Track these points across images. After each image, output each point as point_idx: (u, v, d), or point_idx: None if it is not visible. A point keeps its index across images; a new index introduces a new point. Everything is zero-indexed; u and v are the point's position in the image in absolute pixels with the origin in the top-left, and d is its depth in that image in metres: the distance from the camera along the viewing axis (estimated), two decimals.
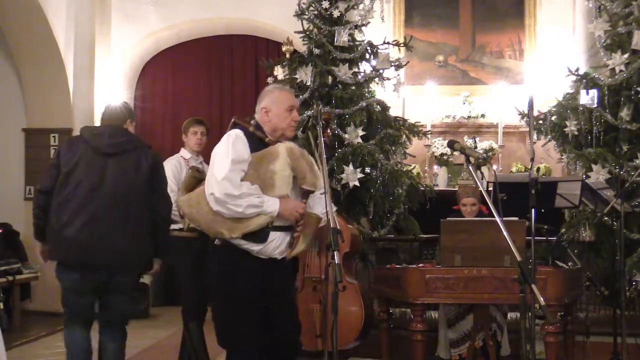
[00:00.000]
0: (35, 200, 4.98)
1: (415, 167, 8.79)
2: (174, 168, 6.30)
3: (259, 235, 4.24)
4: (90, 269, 4.80)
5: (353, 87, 7.72)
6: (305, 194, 4.25)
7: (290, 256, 4.23)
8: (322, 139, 4.11)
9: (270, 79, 8.45)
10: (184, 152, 6.49)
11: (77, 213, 4.75)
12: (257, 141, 4.33)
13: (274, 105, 4.43)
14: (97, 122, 9.66)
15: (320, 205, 4.31)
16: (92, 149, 4.89)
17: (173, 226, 6.28)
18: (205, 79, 11.27)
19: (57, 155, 4.97)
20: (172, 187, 6.20)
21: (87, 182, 4.80)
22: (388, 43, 8.00)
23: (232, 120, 4.52)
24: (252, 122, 4.48)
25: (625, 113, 7.60)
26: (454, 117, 9.81)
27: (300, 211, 4.17)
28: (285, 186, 4.22)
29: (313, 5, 7.83)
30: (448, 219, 6.03)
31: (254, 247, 4.26)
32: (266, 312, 4.32)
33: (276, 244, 4.27)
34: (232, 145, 4.27)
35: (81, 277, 4.84)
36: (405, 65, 8.17)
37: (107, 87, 10.37)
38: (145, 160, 5.02)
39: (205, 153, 6.64)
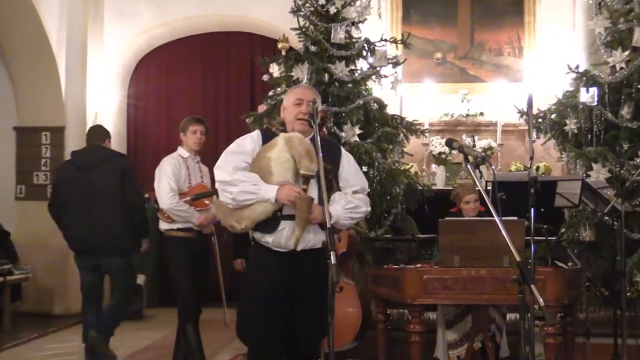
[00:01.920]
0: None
1: (413, 166, 8.79)
2: (174, 167, 6.30)
3: (269, 225, 4.27)
4: (91, 254, 6.73)
5: (350, 85, 7.71)
6: (306, 180, 4.24)
7: (295, 244, 4.22)
8: (319, 138, 4.10)
9: (265, 77, 8.45)
10: (182, 151, 6.49)
11: (74, 215, 6.71)
12: (272, 136, 4.40)
13: (286, 100, 4.55)
14: (90, 121, 9.80)
15: (340, 204, 4.33)
16: (75, 166, 6.80)
17: (170, 225, 6.31)
18: (200, 76, 11.28)
19: (55, 177, 7.15)
20: (172, 186, 6.21)
21: (76, 191, 6.68)
22: (385, 40, 7.98)
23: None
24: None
25: (625, 111, 7.60)
26: (452, 115, 9.82)
27: (293, 195, 4.15)
28: (284, 172, 4.23)
29: (309, 1, 7.81)
30: (446, 218, 6.03)
31: (268, 239, 4.29)
32: (291, 311, 4.34)
33: (287, 233, 4.25)
34: (235, 141, 4.45)
35: (86, 260, 6.80)
36: (402, 62, 8.16)
37: (100, 85, 10.37)
38: (116, 168, 6.68)
39: (203, 152, 6.65)
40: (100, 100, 10.33)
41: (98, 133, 7.07)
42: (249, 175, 4.26)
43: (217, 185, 4.34)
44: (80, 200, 6.65)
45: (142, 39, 10.94)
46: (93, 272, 6.83)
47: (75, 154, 6.96)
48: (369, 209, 4.56)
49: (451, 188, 7.10)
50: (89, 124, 9.76)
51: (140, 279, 9.23)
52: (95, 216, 6.60)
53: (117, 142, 10.69)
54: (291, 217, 4.22)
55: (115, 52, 10.69)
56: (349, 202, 4.36)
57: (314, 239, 4.25)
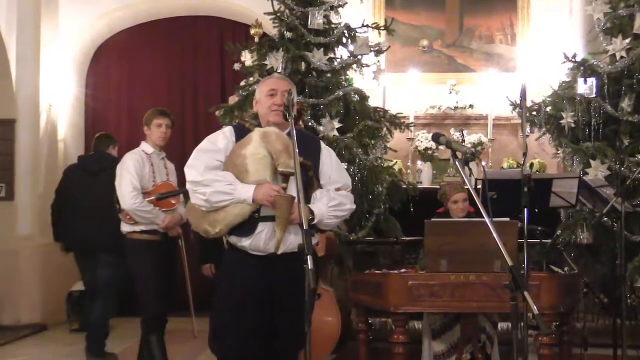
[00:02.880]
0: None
1: (396, 162, 8.81)
2: (136, 164, 6.27)
3: (245, 227, 4.26)
4: (89, 253, 7.59)
5: (328, 75, 7.73)
6: (285, 178, 4.24)
7: (276, 247, 4.22)
8: (294, 132, 4.10)
9: (237, 66, 8.44)
10: (146, 146, 6.46)
11: (76, 215, 7.66)
12: (246, 132, 4.40)
13: (258, 92, 4.55)
14: (43, 113, 9.73)
15: (322, 201, 4.34)
16: (84, 170, 7.80)
17: (132, 227, 6.29)
18: (165, 65, 11.22)
19: (63, 179, 8.24)
20: (135, 184, 6.19)
21: (82, 193, 7.65)
22: (367, 26, 8.00)
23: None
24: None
25: (626, 103, 7.66)
26: (439, 108, 9.85)
27: (271, 194, 4.15)
28: (262, 170, 4.23)
29: None
30: (433, 219, 6.05)
31: (245, 242, 4.29)
32: (270, 320, 4.34)
33: (266, 236, 4.25)
34: (207, 138, 4.45)
35: (85, 260, 7.73)
36: (385, 50, 8.18)
37: (55, 74, 10.29)
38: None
39: (169, 148, 6.63)
40: (55, 90, 10.24)
41: (104, 140, 8.03)
42: (222, 175, 4.25)
43: (188, 186, 4.32)
44: (84, 202, 7.58)
45: (102, 24, 10.87)
46: (93, 272, 7.55)
47: (84, 159, 8.28)
48: (354, 206, 4.57)
49: (438, 187, 7.12)
50: (43, 116, 9.71)
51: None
52: (96, 216, 7.32)
53: (74, 136, 10.64)
54: (270, 218, 4.22)
55: (72, 37, 10.61)
56: (332, 199, 4.37)
57: (295, 240, 4.23)
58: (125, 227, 6.33)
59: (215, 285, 4.85)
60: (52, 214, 8.14)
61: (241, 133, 4.41)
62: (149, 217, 6.20)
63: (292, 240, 4.26)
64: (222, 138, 4.41)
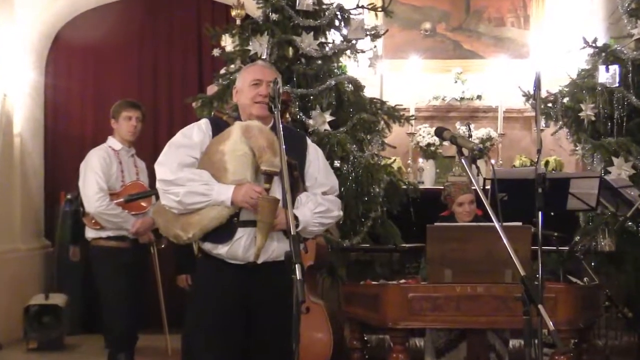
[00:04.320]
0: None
1: (395, 160, 8.82)
2: (103, 161, 6.26)
3: (223, 233, 4.25)
4: None
5: (319, 62, 7.73)
6: (269, 178, 4.22)
7: (256, 256, 4.21)
8: (281, 126, 4.10)
9: (216, 51, 8.43)
10: (113, 142, 6.46)
11: None
12: (224, 126, 4.39)
13: (240, 81, 4.54)
14: None
15: (307, 206, 4.33)
16: None
17: (98, 233, 6.29)
18: (136, 50, 11.19)
19: None
20: (101, 185, 6.18)
21: None
22: (362, 7, 8.01)
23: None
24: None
25: None
26: (443, 99, 9.85)
27: (253, 196, 4.13)
28: (242, 169, 4.21)
29: None
30: (436, 224, 6.05)
31: (221, 250, 4.27)
32: (249, 338, 4.34)
33: (246, 243, 4.23)
34: (180, 132, 4.43)
35: None
36: (383, 34, 8.19)
37: (10, 60, 10.25)
38: None
39: (139, 144, 6.63)
40: (10, 79, 10.21)
41: None
42: (198, 173, 4.23)
43: (158, 185, 4.29)
44: None
45: (63, 3, 10.84)
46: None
47: None
48: (341, 213, 4.58)
49: (442, 187, 7.14)
50: None
51: (60, 299, 9.17)
52: None
53: (32, 131, 10.60)
54: (251, 223, 4.21)
55: (30, 19, 10.58)
56: (319, 205, 4.37)
57: (278, 249, 4.23)
58: (89, 233, 6.33)
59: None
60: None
61: (218, 127, 4.40)
62: (116, 221, 6.19)
63: (275, 248, 4.26)
64: (197, 131, 4.39)
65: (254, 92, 4.40)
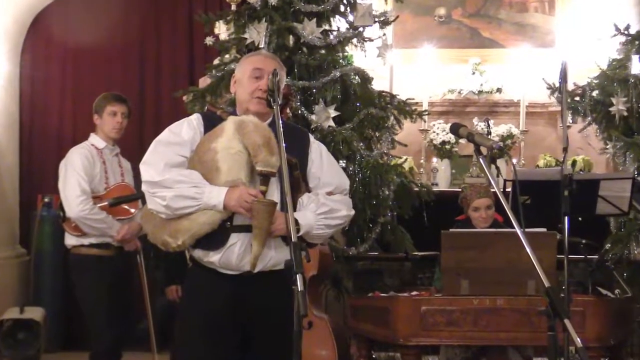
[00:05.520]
0: None
1: (407, 160, 8.83)
2: (85, 161, 6.26)
3: (215, 239, 4.23)
4: None
5: (322, 51, 7.74)
6: (265, 179, 4.21)
7: (252, 265, 4.20)
8: (280, 122, 4.11)
9: (209, 40, 8.43)
10: (96, 140, 6.47)
11: None
12: (218, 121, 4.37)
13: (240, 72, 4.52)
14: None
15: (309, 208, 4.31)
16: None
17: (79, 240, 6.29)
18: (121, 38, 11.20)
19: None
20: (83, 186, 6.19)
21: None
22: None
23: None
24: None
25: None
26: (459, 92, 9.87)
27: (247, 199, 4.10)
28: (235, 169, 4.19)
29: None
30: (451, 230, 6.06)
31: (213, 258, 4.24)
32: (245, 354, 4.33)
33: (240, 250, 4.20)
34: (168, 128, 4.41)
35: None
36: (393, 21, 8.20)
37: None
38: None
39: (124, 142, 6.64)
40: None
41: None
42: (187, 174, 4.22)
43: (144, 188, 4.27)
44: None
45: None
46: None
47: None
48: (352, 212, 4.54)
49: (459, 189, 7.15)
50: None
51: (37, 313, 9.18)
52: None
53: (6, 127, 10.61)
54: (246, 229, 4.19)
55: (2, 4, 10.61)
56: (322, 205, 4.33)
57: (276, 257, 4.23)
58: (70, 240, 6.33)
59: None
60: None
61: (211, 122, 4.38)
62: (100, 227, 6.20)
63: (273, 256, 4.24)
64: (187, 128, 4.37)
65: (254, 86, 4.38)
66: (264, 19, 7.64)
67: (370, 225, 7.58)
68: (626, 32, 8.03)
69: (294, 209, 4.20)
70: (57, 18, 11.12)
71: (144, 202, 4.78)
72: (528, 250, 3.58)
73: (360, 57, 8.18)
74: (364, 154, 7.49)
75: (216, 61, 8.03)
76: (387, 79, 8.92)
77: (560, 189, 4.88)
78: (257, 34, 7.57)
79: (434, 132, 9.50)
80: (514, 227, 3.67)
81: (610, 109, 7.88)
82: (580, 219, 5.41)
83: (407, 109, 8.00)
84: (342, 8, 7.92)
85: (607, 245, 7.50)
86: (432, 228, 6.01)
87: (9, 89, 10.77)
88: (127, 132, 6.59)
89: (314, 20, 7.69)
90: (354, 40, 7.92)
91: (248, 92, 4.39)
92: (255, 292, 4.27)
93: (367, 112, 7.67)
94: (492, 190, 6.19)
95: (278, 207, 4.14)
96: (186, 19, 10.88)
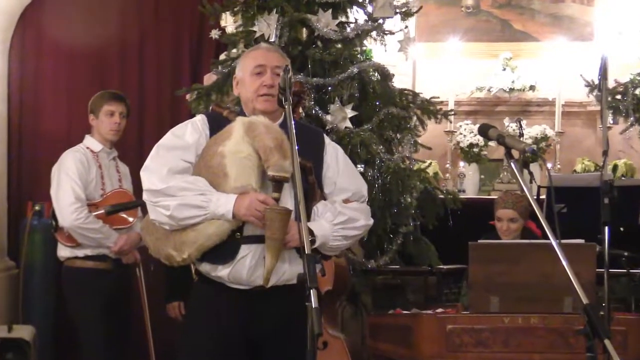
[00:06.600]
0: None
1: (431, 164, 8.84)
2: (80, 165, 6.27)
3: (223, 252, 4.22)
4: None
5: (339, 45, 7.74)
6: (278, 185, 4.20)
7: (266, 280, 4.19)
8: (293, 123, 4.10)
9: (215, 33, 8.45)
10: (92, 142, 6.48)
11: None
12: (224, 123, 4.38)
13: (241, 69, 4.54)
14: None
15: (325, 217, 4.30)
16: None
17: (73, 252, 6.31)
18: (118, 32, 11.23)
19: None
20: (78, 193, 6.19)
21: None
22: None
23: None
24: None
25: None
26: (489, 90, 9.88)
27: (259, 207, 4.09)
28: (245, 174, 4.18)
29: None
30: (480, 241, 6.06)
31: (222, 272, 4.24)
32: None
33: (251, 263, 4.19)
34: (171, 131, 4.42)
35: None
36: (416, 12, 8.21)
37: None
38: None
39: (122, 145, 6.65)
40: None
41: None
42: (192, 181, 4.21)
43: (145, 197, 4.27)
44: None
45: None
46: None
47: None
48: (371, 222, 4.53)
49: (487, 197, 7.14)
50: None
51: (26, 332, 9.20)
52: None
53: None
54: (257, 240, 4.19)
55: None
56: (339, 214, 4.32)
57: (290, 270, 4.22)
58: (63, 252, 6.35)
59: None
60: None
61: (218, 123, 4.39)
62: (96, 237, 6.21)
63: (287, 270, 4.23)
64: (191, 130, 4.37)
65: (257, 83, 4.39)
66: (274, 10, 7.64)
67: (391, 236, 7.58)
68: None
69: (308, 218, 4.19)
70: (48, 11, 11.14)
71: (143, 210, 4.79)
72: (564, 263, 3.57)
73: (380, 51, 8.19)
74: (384, 157, 7.49)
75: (222, 56, 8.04)
76: (410, 75, 8.94)
77: (600, 196, 4.87)
78: (267, 26, 7.57)
79: (461, 133, 9.51)
80: (548, 238, 3.66)
81: None
82: (622, 229, 5.40)
83: (431, 109, 8.00)
84: None
85: None
86: (458, 239, 5.99)
87: None
88: (125, 133, 6.61)
89: (330, 11, 7.69)
90: (373, 34, 7.92)
91: (252, 90, 4.41)
92: (268, 309, 4.28)
93: (388, 112, 7.67)
94: (525, 197, 6.17)
95: (292, 215, 4.13)
96: (190, 10, 10.90)
